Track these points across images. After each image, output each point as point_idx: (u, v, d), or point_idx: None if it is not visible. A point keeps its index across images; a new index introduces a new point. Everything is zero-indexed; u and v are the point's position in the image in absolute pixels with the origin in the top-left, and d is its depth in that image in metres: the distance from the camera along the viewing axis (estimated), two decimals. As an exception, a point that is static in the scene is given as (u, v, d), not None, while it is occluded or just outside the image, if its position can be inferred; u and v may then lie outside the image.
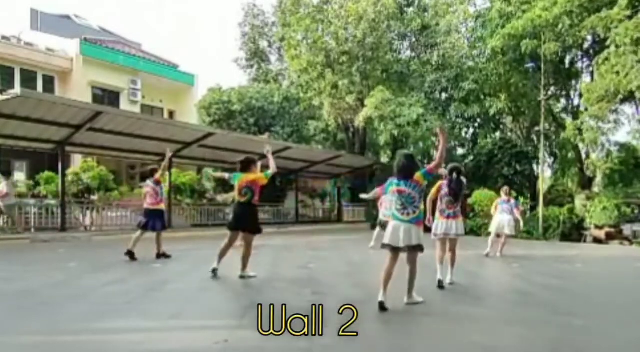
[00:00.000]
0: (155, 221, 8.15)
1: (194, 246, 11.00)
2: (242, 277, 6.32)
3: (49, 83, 20.27)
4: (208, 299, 5.23)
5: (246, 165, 6.30)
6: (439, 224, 6.29)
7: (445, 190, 6.26)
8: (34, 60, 19.55)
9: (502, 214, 9.94)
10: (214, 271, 6.27)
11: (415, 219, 4.68)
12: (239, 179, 6.23)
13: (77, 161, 17.40)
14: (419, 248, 4.72)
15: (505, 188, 10.38)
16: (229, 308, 4.78)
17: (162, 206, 8.34)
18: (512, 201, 10.24)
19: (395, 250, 4.73)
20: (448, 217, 6.24)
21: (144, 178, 20.95)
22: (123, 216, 14.81)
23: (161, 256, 8.34)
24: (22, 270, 7.21)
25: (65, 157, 14.26)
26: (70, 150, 14.65)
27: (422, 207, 4.80)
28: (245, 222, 6.22)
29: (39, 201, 14.19)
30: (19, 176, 17.60)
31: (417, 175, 4.70)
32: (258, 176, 6.28)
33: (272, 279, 6.51)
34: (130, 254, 7.95)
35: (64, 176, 13.50)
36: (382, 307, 4.57)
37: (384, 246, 4.80)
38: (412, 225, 4.66)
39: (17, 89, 15.75)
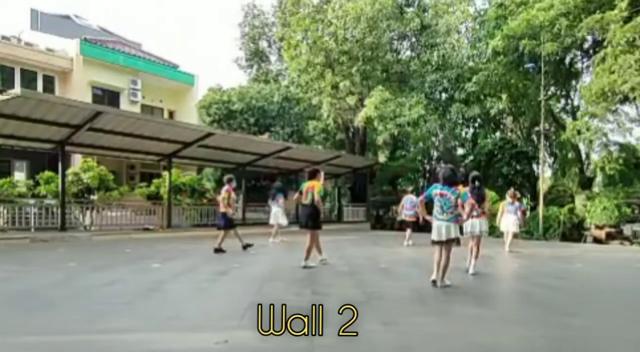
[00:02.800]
0: (220, 221, 9.70)
1: (193, 246, 11.00)
2: (304, 267, 7.34)
3: (49, 83, 20.26)
4: (208, 299, 5.23)
5: (313, 174, 7.63)
6: (467, 224, 7.13)
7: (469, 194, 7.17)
8: (34, 60, 19.54)
9: (509, 214, 10.84)
10: (306, 267, 7.34)
11: (452, 219, 5.86)
12: (306, 185, 7.53)
13: (77, 161, 17.38)
14: (452, 241, 5.88)
15: (511, 191, 11.19)
16: (229, 308, 4.77)
17: (224, 210, 9.56)
18: (517, 203, 11.13)
19: (440, 243, 5.90)
20: (472, 217, 7.06)
21: (144, 178, 21.04)
22: (123, 215, 14.81)
23: (246, 246, 9.76)
24: (22, 270, 7.20)
25: (65, 157, 14.24)
26: (70, 150, 14.65)
27: (458, 210, 5.94)
28: (309, 221, 7.46)
29: (39, 200, 14.18)
30: (19, 176, 17.59)
31: (461, 188, 6.14)
32: (317, 183, 7.49)
33: (272, 278, 6.52)
34: (219, 250, 9.29)
35: (64, 175, 13.49)
36: (434, 284, 5.84)
37: (433, 242, 5.96)
38: (451, 223, 5.84)
39: (17, 89, 15.74)
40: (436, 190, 5.95)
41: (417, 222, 12.64)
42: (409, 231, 12.19)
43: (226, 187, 9.64)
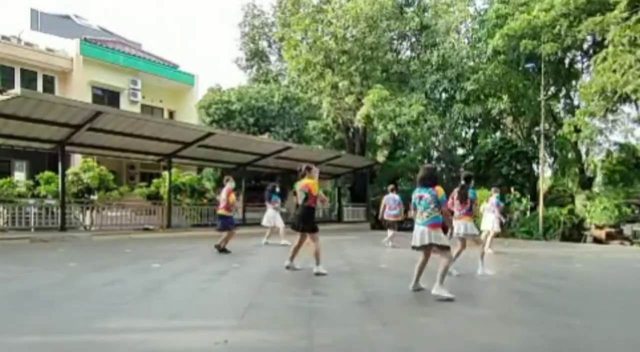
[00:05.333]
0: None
1: (193, 246, 11.00)
2: (316, 274, 6.90)
3: (49, 83, 20.24)
4: (208, 299, 5.23)
5: (305, 172, 7.19)
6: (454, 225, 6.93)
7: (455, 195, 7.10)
8: (34, 60, 19.53)
9: (488, 212, 10.41)
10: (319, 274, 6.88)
11: (429, 221, 5.31)
12: (299, 185, 7.14)
13: (77, 161, 17.37)
14: (441, 245, 5.33)
15: (493, 190, 10.80)
16: (229, 308, 4.78)
17: (221, 211, 9.53)
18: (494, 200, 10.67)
19: (421, 248, 5.43)
20: (455, 218, 6.86)
21: (144, 178, 21.04)
22: (123, 215, 14.80)
23: (221, 250, 9.37)
24: (21, 270, 7.20)
25: (65, 157, 14.23)
26: (70, 150, 14.63)
27: (437, 212, 5.37)
28: (301, 223, 7.01)
29: (39, 200, 14.17)
30: (19, 176, 17.58)
31: (439, 188, 5.40)
32: (311, 182, 7.07)
33: (272, 279, 6.52)
34: (222, 250, 9.31)
35: (64, 175, 13.47)
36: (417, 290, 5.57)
37: (413, 248, 5.51)
38: (426, 227, 5.31)
39: (17, 89, 15.72)
40: (415, 193, 5.55)
41: (401, 222, 12.41)
42: (391, 231, 11.81)
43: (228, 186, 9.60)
